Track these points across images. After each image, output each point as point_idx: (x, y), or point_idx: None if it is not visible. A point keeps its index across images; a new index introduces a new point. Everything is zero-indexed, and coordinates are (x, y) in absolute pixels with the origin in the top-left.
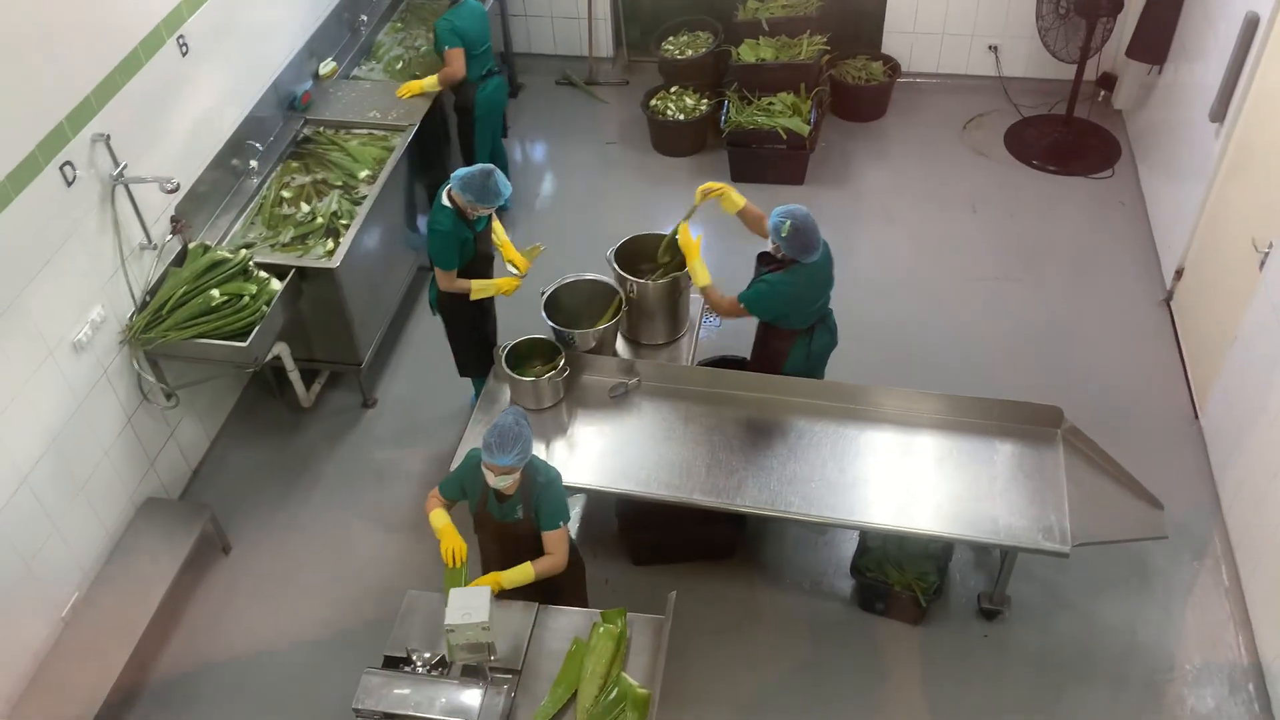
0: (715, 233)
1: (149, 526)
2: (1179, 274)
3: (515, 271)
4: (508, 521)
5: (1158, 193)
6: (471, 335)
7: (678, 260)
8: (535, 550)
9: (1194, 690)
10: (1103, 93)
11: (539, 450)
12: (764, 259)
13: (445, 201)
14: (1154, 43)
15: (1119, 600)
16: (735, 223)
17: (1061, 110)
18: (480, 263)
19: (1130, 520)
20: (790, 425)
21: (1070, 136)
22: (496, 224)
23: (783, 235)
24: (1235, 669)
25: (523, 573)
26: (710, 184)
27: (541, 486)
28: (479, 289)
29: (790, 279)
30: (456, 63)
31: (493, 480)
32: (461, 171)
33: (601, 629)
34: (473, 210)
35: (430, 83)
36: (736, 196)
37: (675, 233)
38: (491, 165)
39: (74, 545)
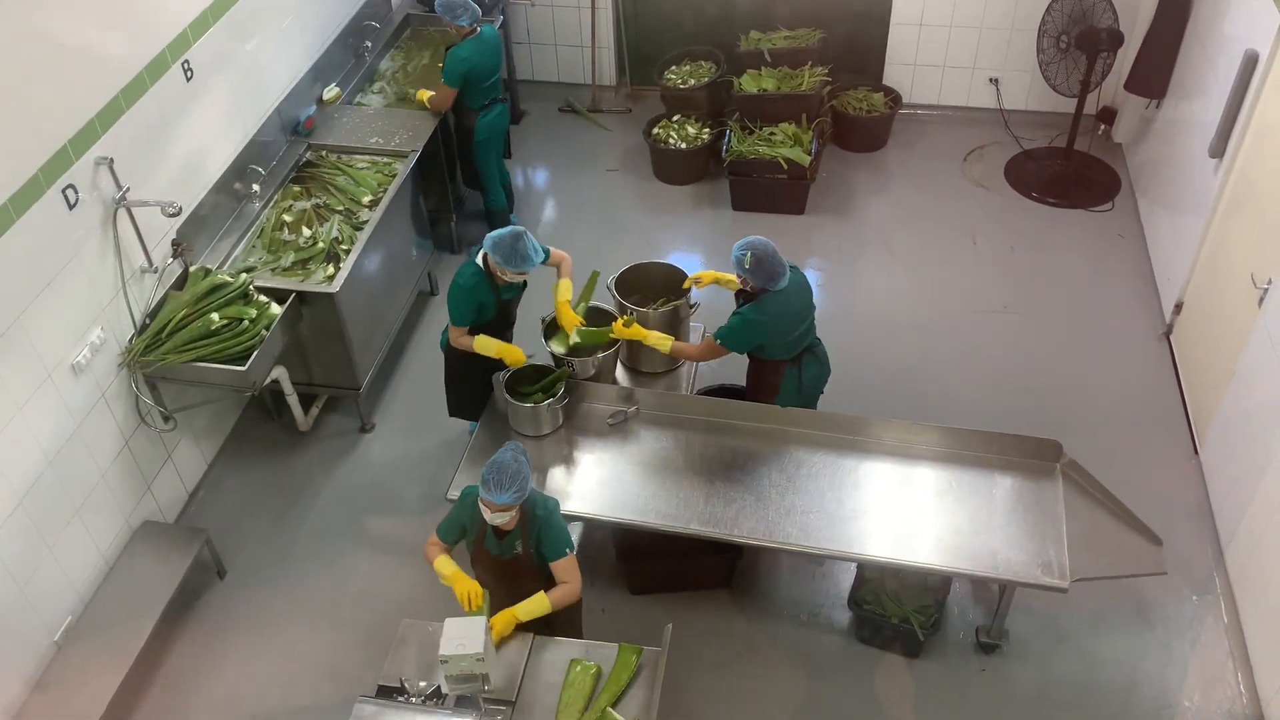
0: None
1: (144, 550)
2: (1178, 308)
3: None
4: (506, 557)
5: (1157, 227)
6: (469, 385)
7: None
8: (536, 583)
9: None
10: (1103, 126)
11: (537, 480)
12: (738, 295)
13: (478, 260)
14: (1153, 77)
15: (1117, 636)
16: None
17: (1062, 143)
18: (498, 327)
19: (1129, 556)
20: (789, 456)
21: (1070, 169)
22: (564, 281)
23: (746, 267)
24: (1235, 707)
25: (538, 603)
26: (697, 275)
27: (541, 520)
28: (481, 345)
29: (762, 308)
30: (445, 98)
31: (489, 516)
32: (494, 233)
33: (579, 666)
34: (502, 274)
35: (425, 99)
36: (729, 277)
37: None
38: (522, 229)
39: (68, 568)
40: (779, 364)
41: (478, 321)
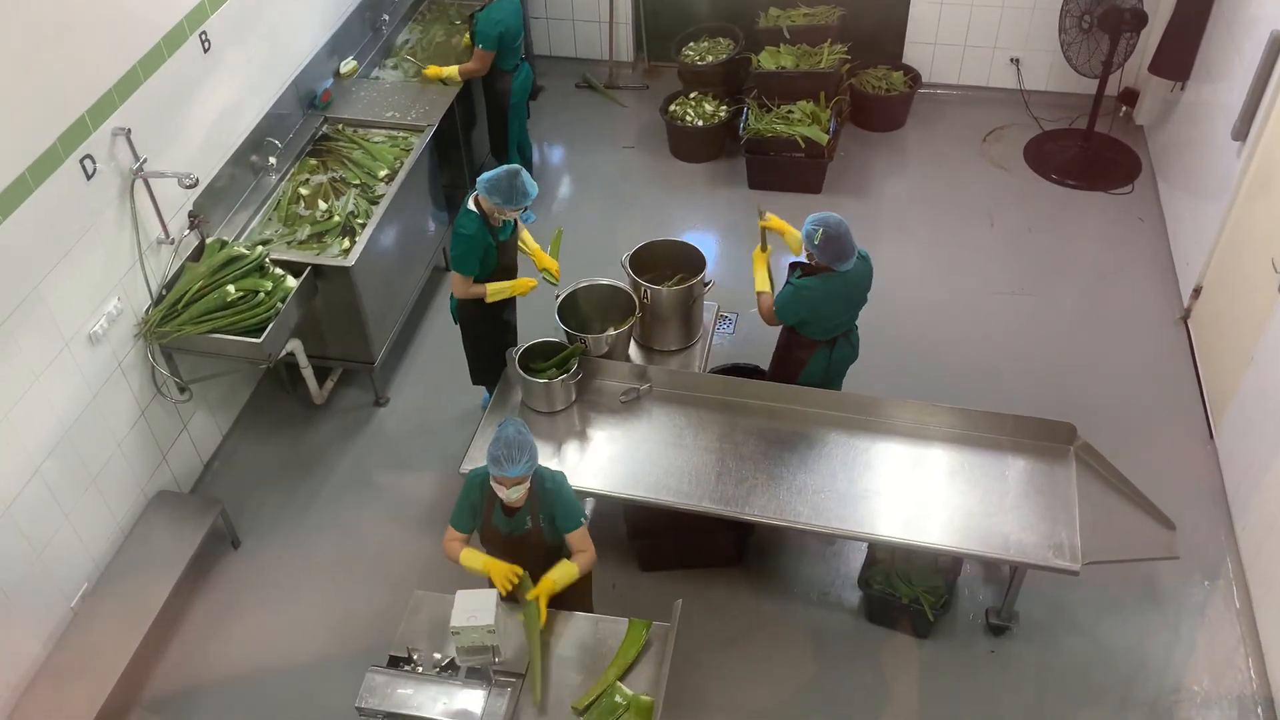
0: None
1: (159, 519)
2: (1197, 292)
3: (549, 280)
4: (517, 534)
5: (1178, 210)
6: (489, 347)
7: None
8: (544, 559)
9: (1201, 713)
10: (1124, 108)
11: (549, 455)
12: (795, 267)
13: (471, 206)
14: (1177, 59)
15: (1128, 620)
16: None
17: (1082, 125)
18: (502, 274)
19: (1141, 539)
20: (801, 435)
21: (1091, 151)
22: (524, 233)
23: (815, 243)
24: (1245, 693)
25: (567, 570)
26: (772, 217)
27: (551, 493)
28: (494, 291)
29: (818, 284)
30: (484, 64)
31: (505, 494)
32: (487, 174)
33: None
34: (499, 214)
35: (452, 73)
36: (794, 231)
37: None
38: (517, 166)
39: (84, 536)
40: (813, 342)
41: (484, 270)
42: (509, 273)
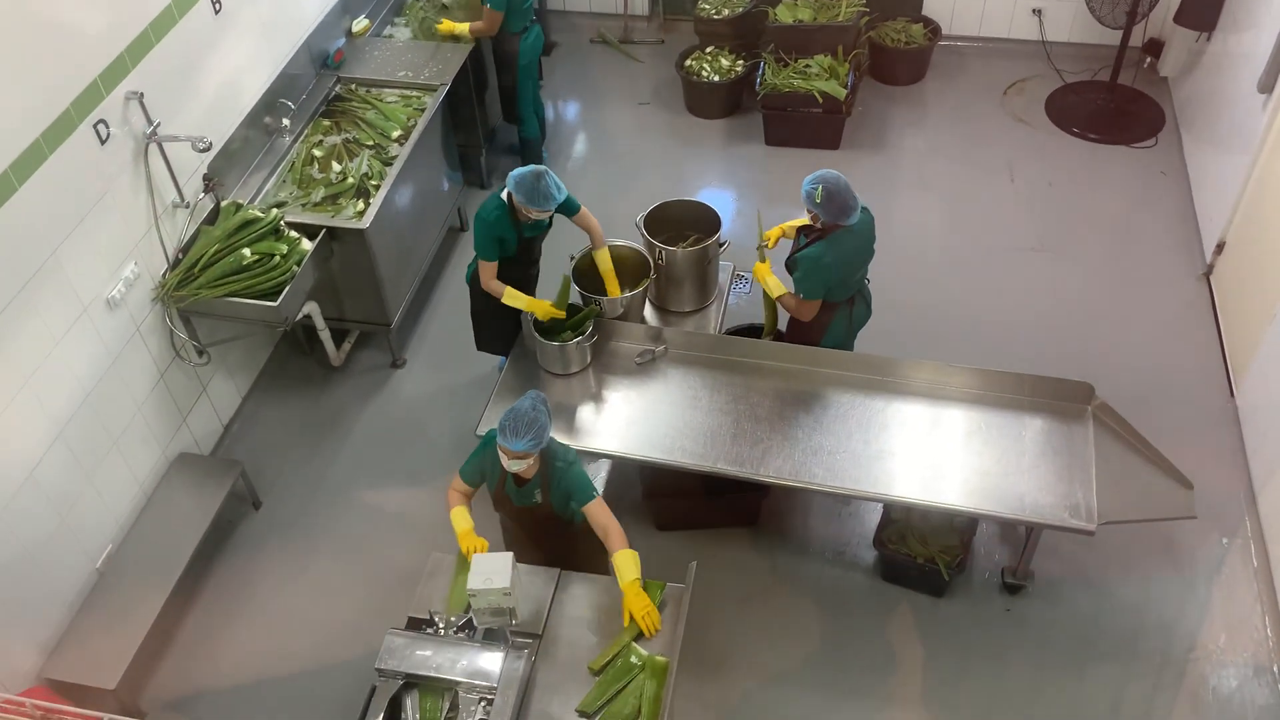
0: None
1: (181, 481)
2: (1220, 248)
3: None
4: (526, 505)
5: (1201, 164)
6: (494, 320)
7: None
8: (555, 530)
9: (1217, 670)
10: (1149, 59)
11: (566, 418)
12: (804, 232)
13: (503, 196)
14: (1204, 9)
15: (1144, 579)
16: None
17: (1105, 77)
18: (519, 268)
19: (1159, 499)
20: (817, 396)
21: (1113, 104)
22: (603, 253)
23: (817, 201)
24: (1261, 651)
25: (628, 559)
26: (766, 235)
27: (561, 471)
28: (510, 298)
29: (828, 249)
30: (492, 24)
31: (507, 463)
32: (517, 171)
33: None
34: (524, 212)
35: (464, 29)
36: (794, 222)
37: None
38: (544, 168)
39: (107, 498)
40: (834, 305)
41: (501, 256)
42: (526, 267)
